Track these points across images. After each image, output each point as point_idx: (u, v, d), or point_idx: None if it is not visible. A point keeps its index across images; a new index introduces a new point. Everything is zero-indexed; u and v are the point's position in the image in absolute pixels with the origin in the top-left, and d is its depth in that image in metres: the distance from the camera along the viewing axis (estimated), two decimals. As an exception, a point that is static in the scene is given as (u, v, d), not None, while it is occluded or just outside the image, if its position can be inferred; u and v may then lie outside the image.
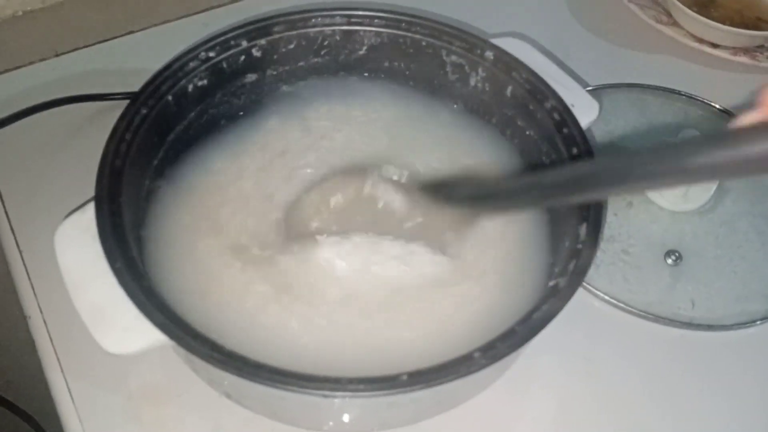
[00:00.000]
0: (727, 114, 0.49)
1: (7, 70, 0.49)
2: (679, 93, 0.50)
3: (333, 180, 0.35)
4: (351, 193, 0.35)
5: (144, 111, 0.34)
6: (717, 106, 0.49)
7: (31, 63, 0.49)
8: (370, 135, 0.40)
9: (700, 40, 0.53)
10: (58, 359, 0.37)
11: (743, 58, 0.52)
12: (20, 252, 0.41)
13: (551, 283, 0.31)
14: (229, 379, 0.28)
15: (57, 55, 0.50)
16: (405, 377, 0.27)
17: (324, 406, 0.30)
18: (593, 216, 0.32)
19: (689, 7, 0.52)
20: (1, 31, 0.52)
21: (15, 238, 0.42)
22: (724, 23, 0.51)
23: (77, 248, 0.31)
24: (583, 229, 0.31)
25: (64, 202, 0.36)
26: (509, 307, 0.33)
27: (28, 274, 0.40)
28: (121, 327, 0.29)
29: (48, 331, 0.38)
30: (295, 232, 0.34)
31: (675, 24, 0.54)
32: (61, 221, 0.33)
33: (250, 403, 0.33)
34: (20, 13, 0.53)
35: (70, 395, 0.36)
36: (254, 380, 0.27)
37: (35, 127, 0.45)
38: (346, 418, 0.32)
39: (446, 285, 0.34)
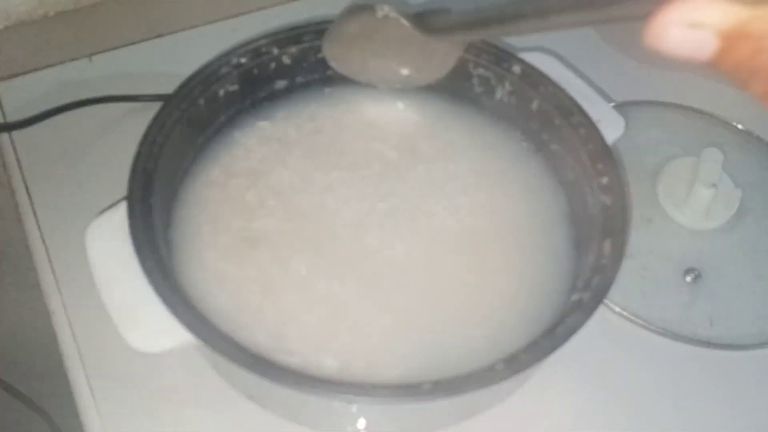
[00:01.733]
0: (750, 134, 0.49)
1: (38, 69, 0.50)
2: (701, 112, 0.50)
3: (347, 13, 0.36)
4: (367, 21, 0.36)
5: (176, 114, 0.35)
6: (740, 126, 0.49)
7: (62, 63, 0.50)
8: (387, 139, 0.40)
9: (724, 60, 0.53)
10: (80, 356, 0.38)
11: (766, 79, 0.52)
12: (46, 248, 0.42)
13: (574, 298, 0.31)
14: (253, 381, 0.28)
15: (88, 56, 0.51)
16: (428, 386, 0.27)
17: (345, 411, 0.31)
18: (618, 231, 0.32)
19: (713, 27, 0.52)
20: (33, 31, 0.53)
21: (41, 234, 0.42)
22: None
23: (108, 247, 0.32)
24: (607, 245, 0.32)
25: (92, 202, 0.37)
26: (531, 319, 0.33)
27: (53, 270, 0.41)
28: (150, 326, 0.29)
29: (71, 328, 0.39)
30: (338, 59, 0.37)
31: (698, 43, 0.54)
32: (90, 220, 0.33)
33: (272, 405, 0.33)
34: (52, 13, 0.54)
35: (91, 392, 0.36)
36: (279, 383, 0.27)
37: (65, 125, 0.46)
38: (364, 423, 0.32)
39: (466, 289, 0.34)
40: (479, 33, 0.33)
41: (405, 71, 0.37)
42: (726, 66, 0.18)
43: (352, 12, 0.36)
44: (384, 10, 0.35)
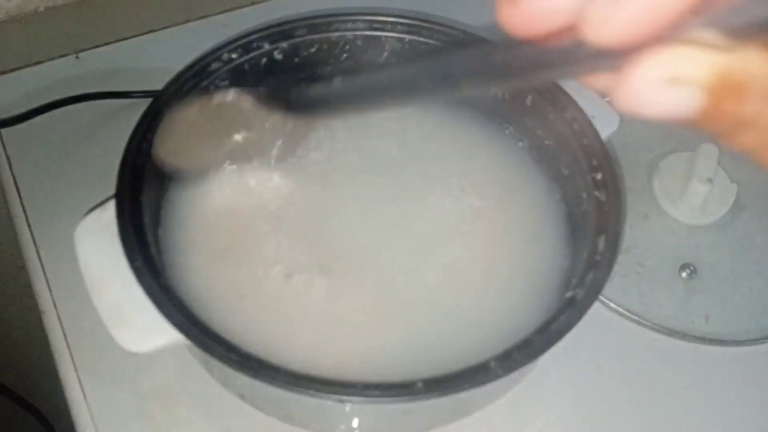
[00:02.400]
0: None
1: (27, 66, 0.49)
2: (696, 106, 0.50)
3: (180, 108, 0.33)
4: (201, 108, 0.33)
5: (166, 110, 0.34)
6: (735, 121, 0.49)
7: (51, 59, 0.50)
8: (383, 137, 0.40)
9: (719, 54, 0.53)
10: (71, 355, 0.37)
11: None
12: (36, 247, 0.41)
13: (568, 295, 0.31)
14: (244, 381, 0.28)
15: (77, 52, 0.50)
16: (420, 384, 0.27)
17: (337, 411, 0.30)
18: (612, 228, 0.32)
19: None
20: (22, 27, 0.52)
21: (31, 233, 0.42)
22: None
23: (97, 245, 0.31)
24: (601, 241, 0.31)
25: (82, 199, 0.36)
26: (525, 317, 0.33)
27: (43, 269, 0.41)
28: (140, 325, 0.29)
29: (62, 327, 0.38)
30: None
31: (694, 37, 0.54)
32: (80, 218, 0.33)
33: (263, 405, 0.33)
34: (42, 9, 0.53)
35: (83, 392, 0.36)
36: (270, 383, 0.27)
37: (55, 123, 0.46)
38: (357, 422, 0.32)
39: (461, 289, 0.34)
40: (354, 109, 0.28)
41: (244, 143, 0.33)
42: (710, 120, 0.16)
43: (182, 106, 0.33)
44: (220, 97, 0.32)
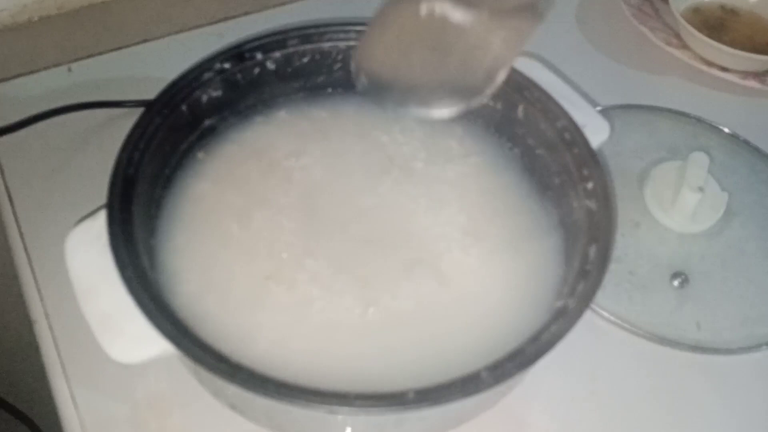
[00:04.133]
0: (736, 138, 0.49)
1: (21, 75, 0.49)
2: (688, 116, 0.50)
3: (386, 11, 0.31)
4: (407, 20, 0.30)
5: (158, 120, 0.35)
6: (726, 130, 0.49)
7: (45, 68, 0.50)
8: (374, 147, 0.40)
9: (710, 64, 0.53)
10: (62, 365, 0.37)
11: (753, 83, 0.52)
12: (28, 256, 0.41)
13: (558, 304, 0.31)
14: (235, 391, 0.28)
15: (71, 62, 0.50)
16: (412, 394, 0.27)
17: (329, 421, 0.30)
18: (603, 237, 0.32)
19: (700, 31, 0.52)
20: (16, 36, 0.52)
21: (23, 242, 0.42)
22: (734, 47, 0.51)
23: (87, 255, 0.31)
24: (592, 251, 0.32)
25: (75, 208, 0.36)
26: (516, 326, 0.33)
27: (35, 278, 0.40)
28: (130, 336, 0.29)
29: (53, 337, 0.38)
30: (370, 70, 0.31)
31: (685, 47, 0.54)
32: (71, 228, 0.33)
33: (254, 415, 0.33)
34: (36, 18, 0.53)
35: (74, 402, 0.36)
36: (260, 393, 0.27)
37: (48, 132, 0.46)
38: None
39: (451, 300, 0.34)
40: None
41: (447, 91, 0.30)
42: None
43: (389, 9, 0.30)
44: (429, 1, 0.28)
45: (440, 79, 0.31)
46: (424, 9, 0.29)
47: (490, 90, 0.31)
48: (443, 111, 0.31)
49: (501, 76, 0.30)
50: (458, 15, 0.29)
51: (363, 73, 0.31)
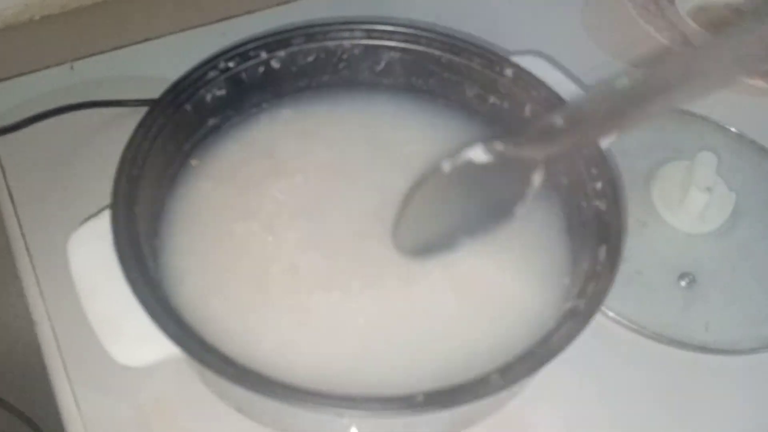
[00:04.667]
0: (742, 137, 0.49)
1: (23, 74, 0.49)
2: (694, 115, 0.50)
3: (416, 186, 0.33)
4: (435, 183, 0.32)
5: (162, 119, 0.34)
6: (732, 129, 0.49)
7: (48, 67, 0.49)
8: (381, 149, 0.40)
9: (716, 62, 0.53)
10: (64, 366, 0.37)
11: (759, 82, 0.52)
12: (30, 255, 0.41)
13: (568, 306, 0.31)
14: (241, 394, 0.28)
15: (74, 60, 0.50)
16: (421, 397, 0.27)
17: (336, 423, 0.30)
18: (613, 238, 0.31)
19: (706, 30, 0.52)
20: (18, 35, 0.52)
21: (25, 241, 0.42)
22: (740, 46, 0.51)
23: (91, 256, 0.31)
24: (602, 251, 0.31)
25: (77, 208, 0.36)
26: (525, 328, 0.32)
27: (37, 278, 0.40)
28: (134, 338, 0.29)
29: (55, 338, 0.38)
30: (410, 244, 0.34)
31: (691, 46, 0.54)
32: (74, 228, 0.33)
33: (261, 417, 0.33)
34: (38, 17, 0.53)
35: (76, 404, 0.36)
36: (268, 396, 0.27)
37: (50, 131, 0.45)
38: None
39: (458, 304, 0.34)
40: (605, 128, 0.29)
41: (480, 220, 0.32)
42: None
43: (416, 185, 0.33)
44: (450, 162, 0.31)
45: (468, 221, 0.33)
46: (447, 167, 0.31)
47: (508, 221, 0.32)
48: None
49: (520, 210, 0.31)
50: (479, 154, 0.31)
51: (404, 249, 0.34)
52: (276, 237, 0.35)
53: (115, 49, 0.51)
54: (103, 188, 0.32)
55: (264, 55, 0.38)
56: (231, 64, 0.37)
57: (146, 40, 0.51)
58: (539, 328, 0.31)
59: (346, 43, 0.39)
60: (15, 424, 0.63)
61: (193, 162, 0.37)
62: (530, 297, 0.34)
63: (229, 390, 0.31)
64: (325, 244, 0.35)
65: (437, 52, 0.39)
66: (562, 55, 0.44)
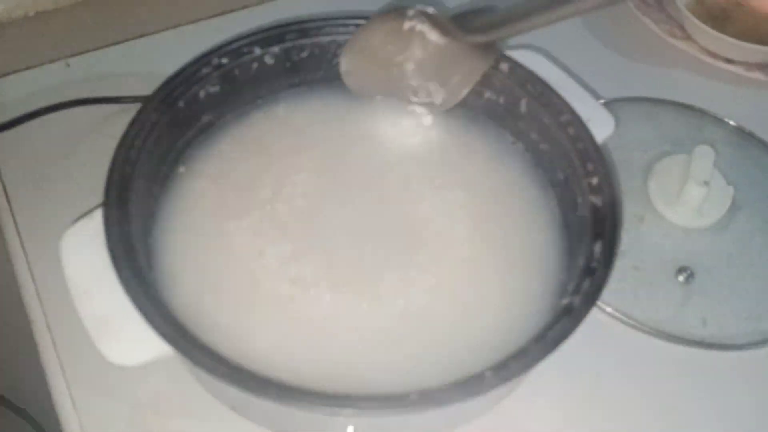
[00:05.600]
0: (741, 130, 0.48)
1: (17, 71, 0.49)
2: (692, 108, 0.49)
3: (374, 21, 0.37)
4: (390, 31, 0.37)
5: (155, 116, 0.34)
6: (731, 122, 0.49)
7: (41, 64, 0.49)
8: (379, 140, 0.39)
9: (714, 55, 0.52)
10: (61, 366, 0.37)
11: (757, 74, 0.52)
12: (26, 255, 0.41)
13: (564, 302, 0.31)
14: (235, 393, 0.28)
15: (68, 57, 0.50)
16: (415, 396, 0.26)
17: (331, 422, 0.30)
18: (608, 233, 0.31)
19: (704, 22, 0.51)
20: (12, 32, 0.52)
21: (20, 239, 0.41)
22: (738, 39, 0.51)
23: (83, 255, 0.31)
24: (597, 247, 0.31)
25: (73, 205, 0.36)
26: (520, 324, 0.32)
27: (32, 276, 0.40)
28: (127, 338, 0.29)
29: (51, 337, 0.38)
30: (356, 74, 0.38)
31: (689, 39, 0.53)
32: (67, 227, 0.32)
33: (255, 416, 0.33)
34: (32, 13, 0.52)
35: (73, 403, 0.36)
36: (260, 395, 0.27)
37: (45, 129, 0.45)
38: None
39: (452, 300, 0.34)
40: (517, 27, 0.34)
41: (423, 90, 0.38)
42: None
43: (377, 20, 0.37)
44: (411, 18, 0.36)
45: (414, 84, 0.38)
46: (407, 25, 0.36)
47: (452, 103, 0.38)
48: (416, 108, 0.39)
49: (463, 94, 0.38)
50: (434, 36, 0.36)
51: (350, 74, 0.38)
52: (270, 236, 0.35)
53: (110, 45, 0.50)
54: (99, 185, 0.32)
55: (257, 51, 0.38)
56: (224, 61, 0.37)
57: (142, 36, 0.51)
58: (535, 324, 0.31)
59: (340, 38, 0.39)
60: (18, 424, 0.63)
61: (181, 169, 0.37)
62: (525, 293, 0.34)
63: (224, 389, 0.31)
64: (319, 242, 0.35)
65: (432, 47, 0.38)
66: (559, 49, 0.44)
